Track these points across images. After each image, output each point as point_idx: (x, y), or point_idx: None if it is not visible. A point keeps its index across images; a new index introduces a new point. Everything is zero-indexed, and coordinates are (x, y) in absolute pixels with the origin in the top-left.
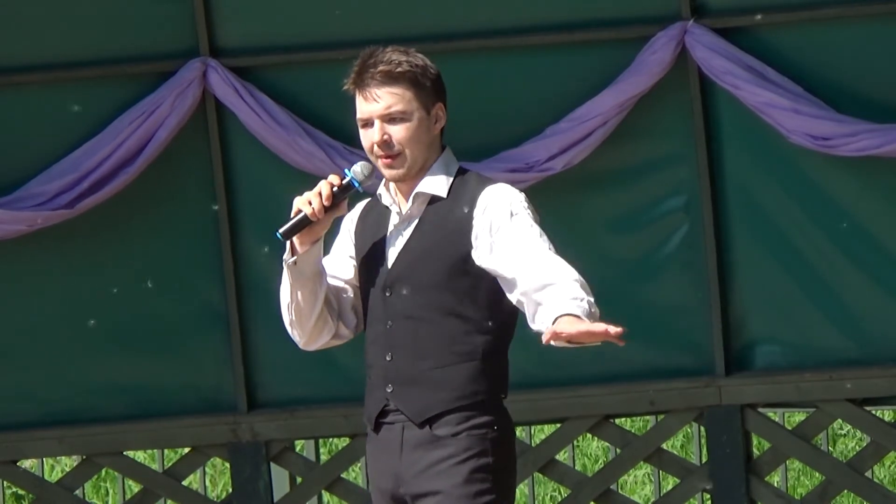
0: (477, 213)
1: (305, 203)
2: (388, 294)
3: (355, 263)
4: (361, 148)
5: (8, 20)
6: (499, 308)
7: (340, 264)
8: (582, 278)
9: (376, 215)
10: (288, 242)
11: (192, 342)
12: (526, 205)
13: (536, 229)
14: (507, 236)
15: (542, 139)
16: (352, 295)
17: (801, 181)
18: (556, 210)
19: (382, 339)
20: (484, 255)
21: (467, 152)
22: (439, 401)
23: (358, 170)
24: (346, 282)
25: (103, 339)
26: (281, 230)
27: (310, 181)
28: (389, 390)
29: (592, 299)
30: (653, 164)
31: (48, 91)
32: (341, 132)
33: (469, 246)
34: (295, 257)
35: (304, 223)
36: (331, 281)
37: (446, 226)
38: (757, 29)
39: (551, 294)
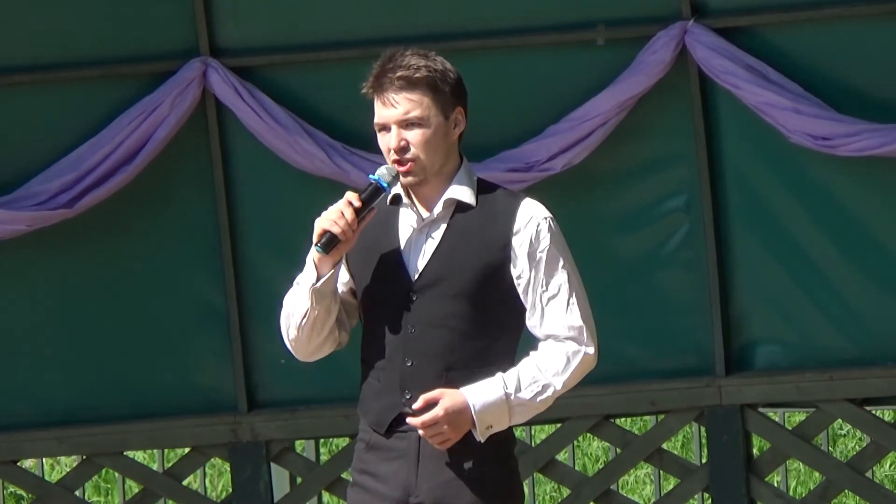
0: (517, 227)
1: (331, 223)
2: (413, 298)
3: (347, 261)
4: (361, 146)
5: (8, 20)
6: (521, 319)
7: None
8: (565, 367)
9: (379, 213)
10: (314, 268)
11: (192, 342)
12: (557, 229)
13: (569, 283)
14: (542, 292)
15: (542, 139)
16: (350, 298)
17: (801, 181)
18: (555, 210)
19: (400, 343)
20: (521, 285)
21: (467, 152)
22: None
23: (384, 171)
24: (345, 284)
25: (103, 339)
26: (315, 250)
27: (309, 181)
28: (408, 397)
29: (530, 393)
30: (653, 163)
31: (48, 91)
32: (341, 132)
33: (505, 259)
34: (320, 282)
35: (333, 243)
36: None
37: (481, 236)
38: (757, 29)
39: (524, 363)
